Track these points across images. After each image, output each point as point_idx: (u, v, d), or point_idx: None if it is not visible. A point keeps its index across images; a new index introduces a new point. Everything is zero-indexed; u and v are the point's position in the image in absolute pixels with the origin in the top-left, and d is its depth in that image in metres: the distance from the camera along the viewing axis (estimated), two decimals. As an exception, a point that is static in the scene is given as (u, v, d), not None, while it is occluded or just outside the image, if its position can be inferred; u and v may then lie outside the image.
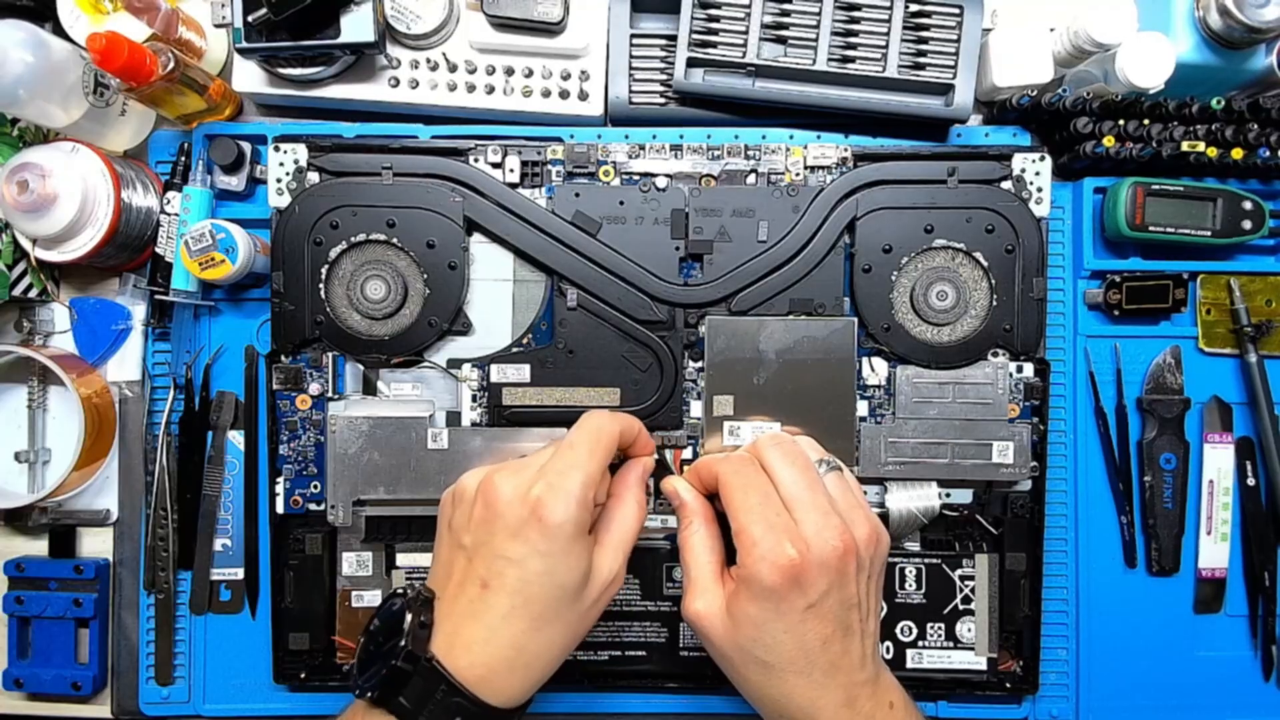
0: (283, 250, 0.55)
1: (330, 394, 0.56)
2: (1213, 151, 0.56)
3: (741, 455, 0.49)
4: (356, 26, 0.54)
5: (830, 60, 0.55)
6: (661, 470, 0.55)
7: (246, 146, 0.58)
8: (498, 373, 0.56)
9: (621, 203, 0.56)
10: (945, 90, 0.56)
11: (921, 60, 0.56)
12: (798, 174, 0.56)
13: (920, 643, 0.57)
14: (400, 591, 0.45)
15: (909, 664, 0.56)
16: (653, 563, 0.56)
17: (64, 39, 0.55)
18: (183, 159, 0.59)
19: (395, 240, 0.55)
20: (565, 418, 0.55)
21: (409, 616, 0.42)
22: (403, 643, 0.41)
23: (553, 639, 0.43)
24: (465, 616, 0.42)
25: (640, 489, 0.49)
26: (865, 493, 0.56)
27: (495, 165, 0.56)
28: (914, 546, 0.57)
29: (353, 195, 0.55)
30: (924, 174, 0.55)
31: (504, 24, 0.56)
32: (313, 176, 0.55)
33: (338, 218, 0.55)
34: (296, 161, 0.55)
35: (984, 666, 0.56)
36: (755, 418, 0.55)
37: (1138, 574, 0.60)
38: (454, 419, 0.56)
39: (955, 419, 0.55)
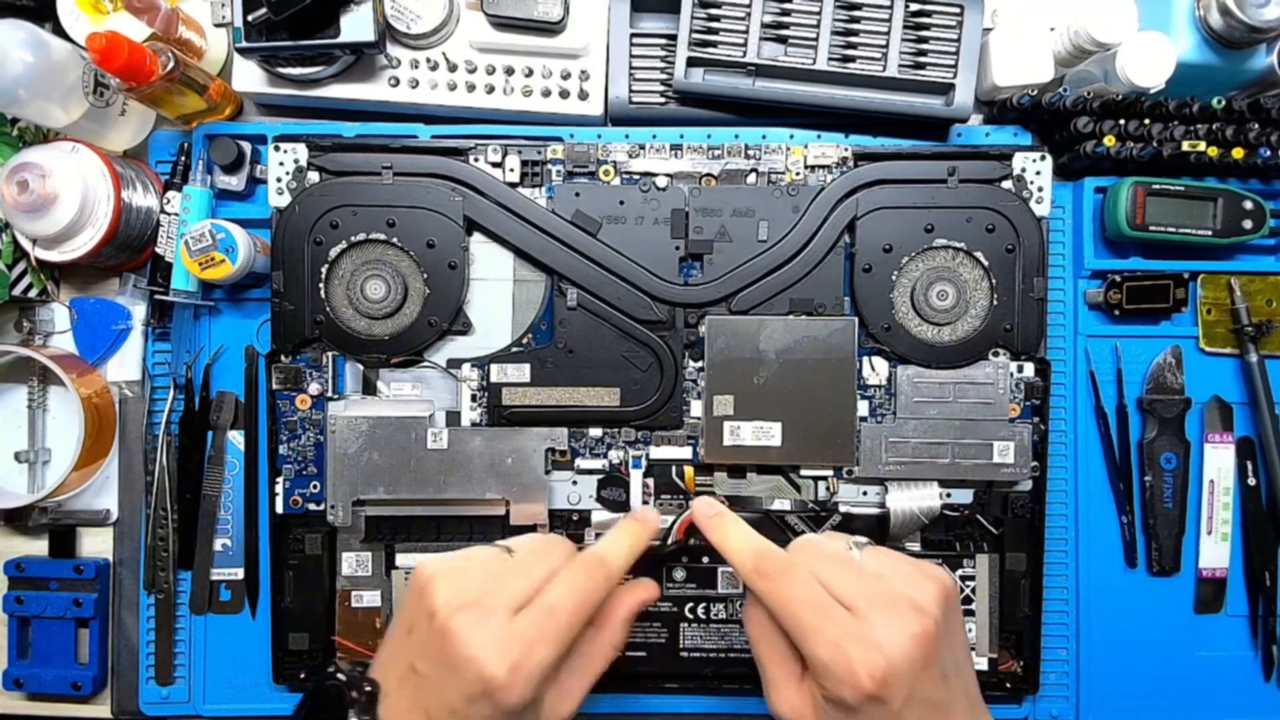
0: (283, 250, 0.55)
1: (330, 394, 0.56)
2: (1213, 151, 0.56)
3: (777, 562, 0.42)
4: (356, 26, 0.54)
5: (830, 60, 0.55)
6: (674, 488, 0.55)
7: (246, 146, 0.58)
8: (498, 373, 0.56)
9: (621, 202, 0.56)
10: (945, 90, 0.56)
11: (922, 60, 0.56)
12: (798, 174, 0.56)
13: (920, 643, 0.57)
14: (336, 680, 0.41)
15: (909, 664, 0.56)
16: (653, 563, 0.56)
17: (64, 39, 0.55)
18: (183, 159, 0.58)
19: (395, 240, 0.55)
20: (565, 418, 0.56)
21: (351, 714, 0.39)
22: None
23: None
24: None
25: (624, 631, 0.45)
26: (865, 494, 0.56)
27: (495, 165, 0.56)
28: (914, 546, 0.57)
29: (353, 195, 0.55)
30: (924, 174, 0.55)
31: (504, 24, 0.56)
32: (313, 176, 0.55)
33: (338, 217, 0.55)
34: (296, 161, 0.55)
35: (984, 666, 0.56)
36: (755, 418, 0.55)
37: (1138, 574, 0.60)
38: (454, 419, 0.56)
39: (956, 419, 0.55)
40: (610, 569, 0.44)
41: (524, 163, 0.56)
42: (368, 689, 0.40)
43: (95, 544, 0.61)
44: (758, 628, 0.43)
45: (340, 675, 0.41)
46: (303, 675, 0.57)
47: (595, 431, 0.56)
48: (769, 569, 0.42)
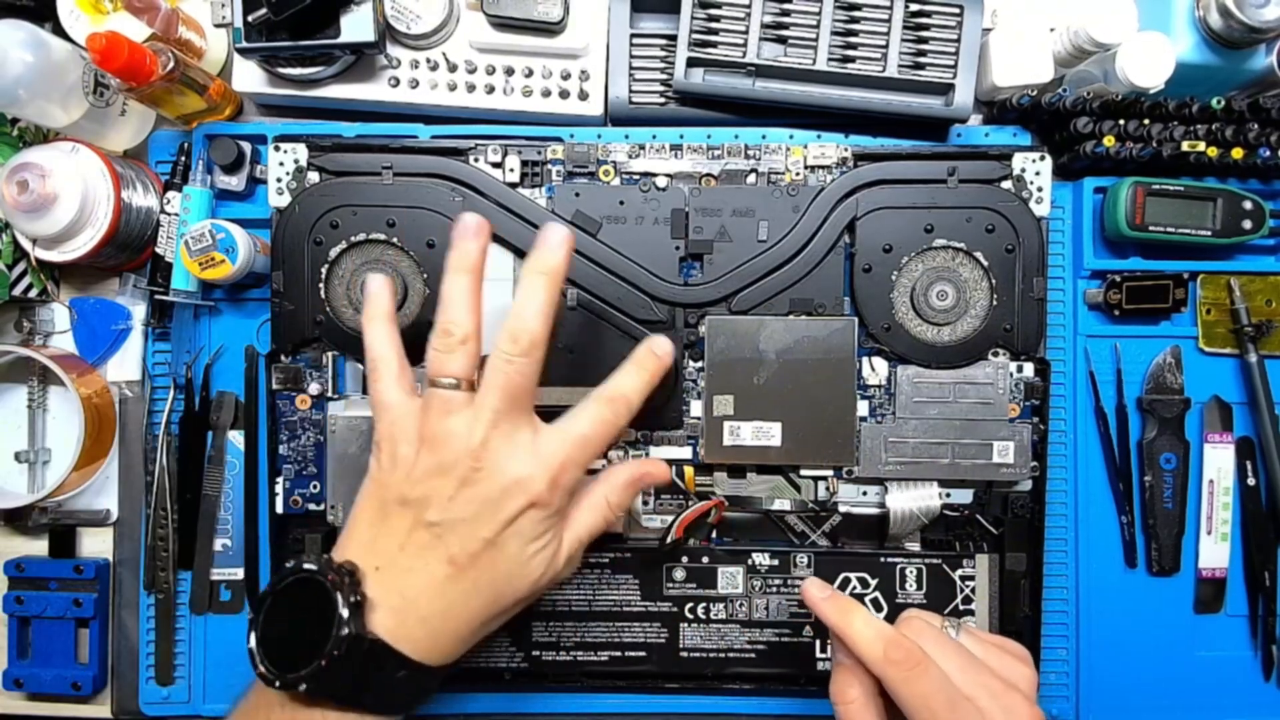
0: (283, 250, 0.55)
1: (330, 394, 0.56)
2: (1213, 151, 0.56)
3: (909, 652, 0.40)
4: (356, 26, 0.54)
5: (830, 60, 0.55)
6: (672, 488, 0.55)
7: (246, 146, 0.58)
8: (498, 373, 0.56)
9: (621, 202, 0.56)
10: (945, 90, 0.56)
11: (921, 60, 0.56)
12: (798, 174, 0.56)
13: (920, 643, 0.57)
14: (306, 569, 0.40)
15: (909, 664, 0.56)
16: (652, 562, 0.56)
17: (64, 39, 0.55)
18: (183, 159, 0.59)
19: (395, 240, 0.55)
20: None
21: (339, 598, 0.39)
22: (345, 631, 0.38)
23: (499, 615, 0.43)
24: (420, 594, 0.41)
25: (624, 495, 0.47)
26: (865, 494, 0.56)
27: (495, 165, 0.56)
28: (914, 546, 0.57)
29: (353, 195, 0.55)
30: (924, 174, 0.55)
31: (504, 24, 0.56)
32: (313, 176, 0.55)
33: (338, 217, 0.55)
34: (296, 161, 0.55)
35: (984, 666, 0.56)
36: (755, 418, 0.55)
37: (1138, 574, 0.60)
38: (454, 419, 0.56)
39: (955, 419, 0.55)
40: (631, 403, 0.45)
41: (524, 163, 0.56)
42: (348, 570, 0.40)
43: (95, 544, 0.61)
44: (856, 708, 0.42)
45: (307, 565, 0.40)
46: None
47: (595, 431, 0.56)
48: (901, 659, 0.40)
